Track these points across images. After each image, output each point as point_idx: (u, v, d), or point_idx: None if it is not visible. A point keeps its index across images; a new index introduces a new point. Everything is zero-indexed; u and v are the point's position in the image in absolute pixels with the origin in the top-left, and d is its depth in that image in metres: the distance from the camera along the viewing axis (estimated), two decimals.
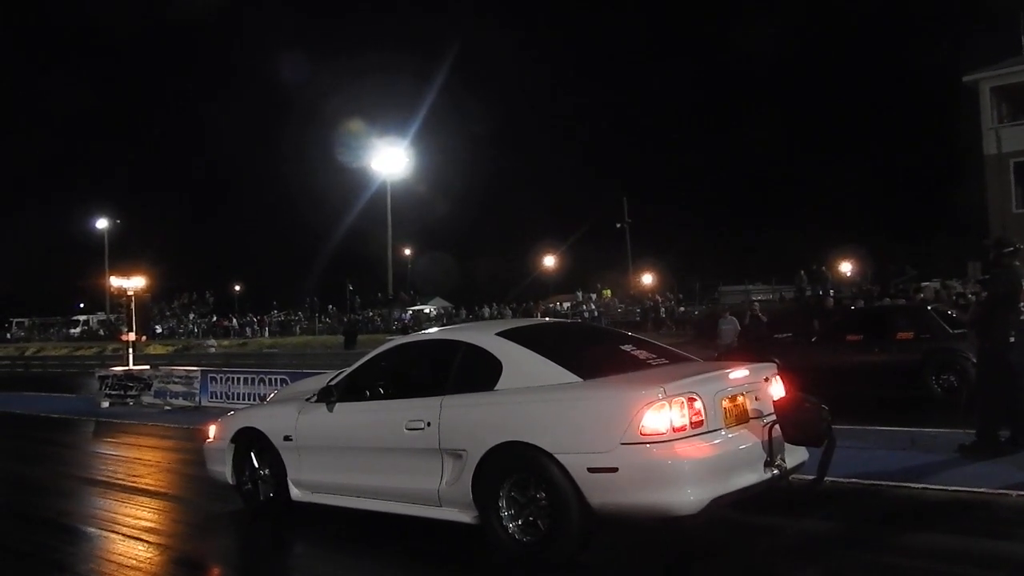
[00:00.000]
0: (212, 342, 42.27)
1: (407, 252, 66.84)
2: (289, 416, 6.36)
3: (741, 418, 5.06)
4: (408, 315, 46.44)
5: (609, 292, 47.01)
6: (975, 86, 31.53)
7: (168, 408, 16.02)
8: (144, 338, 25.16)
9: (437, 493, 5.34)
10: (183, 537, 6.57)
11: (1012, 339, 7.26)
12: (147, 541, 6.19)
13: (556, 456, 4.75)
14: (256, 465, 6.55)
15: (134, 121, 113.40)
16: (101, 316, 61.28)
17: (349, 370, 6.33)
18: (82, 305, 68.22)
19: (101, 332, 55.98)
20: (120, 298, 20.82)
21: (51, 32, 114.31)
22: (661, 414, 4.62)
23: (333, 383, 6.22)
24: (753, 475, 4.93)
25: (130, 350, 20.18)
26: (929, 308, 13.03)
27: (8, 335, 63.99)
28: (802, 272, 32.04)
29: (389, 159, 47.69)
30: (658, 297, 41.01)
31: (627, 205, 54.83)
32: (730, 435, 4.92)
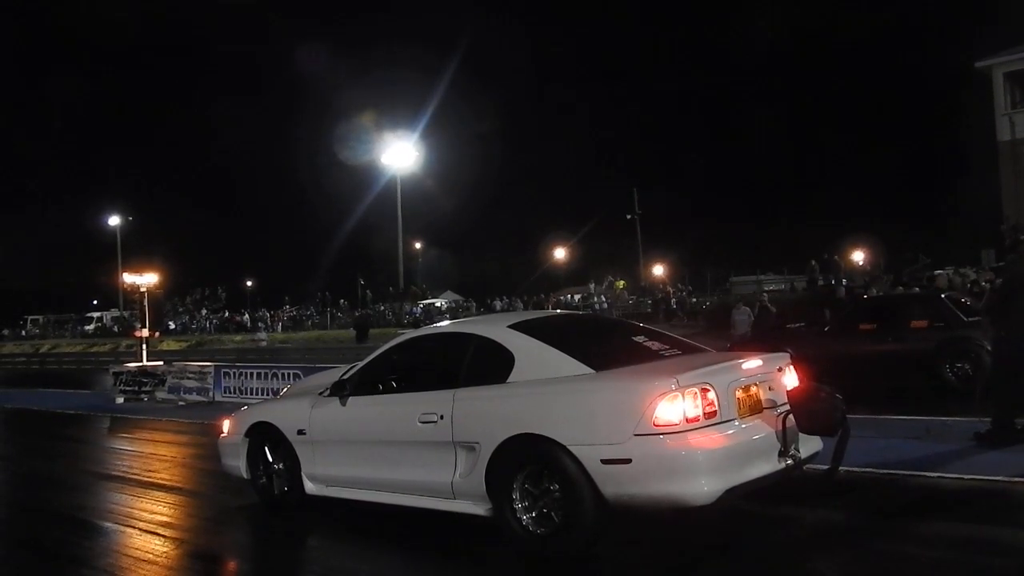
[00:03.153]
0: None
1: (417, 246, 66.86)
2: (302, 410, 6.38)
3: (755, 408, 5.04)
4: (419, 309, 46.50)
5: (623, 283, 46.92)
6: (988, 72, 31.27)
7: (182, 403, 16.11)
8: (157, 334, 25.30)
9: (451, 486, 5.35)
10: (199, 531, 6.61)
11: None
12: (163, 535, 6.23)
13: (569, 448, 4.74)
14: (270, 459, 6.58)
15: (144, 119, 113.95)
16: (115, 313, 61.71)
17: (361, 364, 6.34)
18: (96, 302, 68.68)
19: (115, 328, 56.34)
20: (133, 295, 20.92)
21: (64, 32, 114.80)
22: (674, 405, 4.61)
23: (346, 377, 6.23)
24: (767, 465, 4.92)
25: (143, 346, 20.29)
26: (943, 296, 12.94)
27: (23, 332, 64.51)
28: (813, 262, 31.87)
29: (398, 154, 47.74)
30: (669, 288, 40.91)
31: (637, 196, 54.72)
32: (744, 425, 4.90)
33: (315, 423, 6.24)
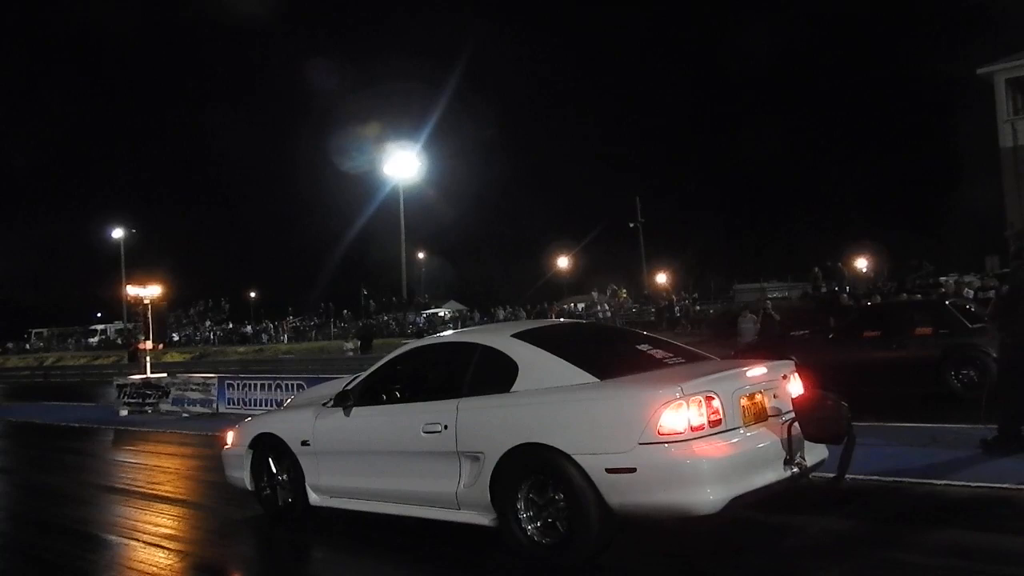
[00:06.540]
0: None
1: (420, 256, 66.90)
2: (306, 421, 6.38)
3: (760, 416, 5.02)
4: (422, 318, 46.47)
5: (624, 291, 46.87)
6: (990, 79, 31.31)
7: (186, 415, 16.11)
8: (161, 346, 25.34)
9: (455, 496, 5.33)
10: (203, 544, 6.59)
11: None
12: (168, 548, 6.22)
13: (574, 457, 4.73)
14: (274, 470, 6.57)
15: (147, 131, 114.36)
16: (118, 325, 61.72)
17: (365, 374, 6.33)
18: (99, 315, 68.77)
19: (119, 341, 56.36)
20: (137, 307, 20.97)
21: (65, 44, 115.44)
22: (679, 413, 4.59)
23: (349, 387, 6.23)
24: (773, 474, 4.90)
25: (147, 359, 20.31)
26: (947, 303, 12.91)
27: (27, 346, 64.58)
28: (816, 269, 31.80)
29: (401, 164, 47.84)
30: (673, 296, 40.85)
31: (640, 204, 54.77)
32: (749, 434, 4.88)
33: (319, 434, 6.24)
